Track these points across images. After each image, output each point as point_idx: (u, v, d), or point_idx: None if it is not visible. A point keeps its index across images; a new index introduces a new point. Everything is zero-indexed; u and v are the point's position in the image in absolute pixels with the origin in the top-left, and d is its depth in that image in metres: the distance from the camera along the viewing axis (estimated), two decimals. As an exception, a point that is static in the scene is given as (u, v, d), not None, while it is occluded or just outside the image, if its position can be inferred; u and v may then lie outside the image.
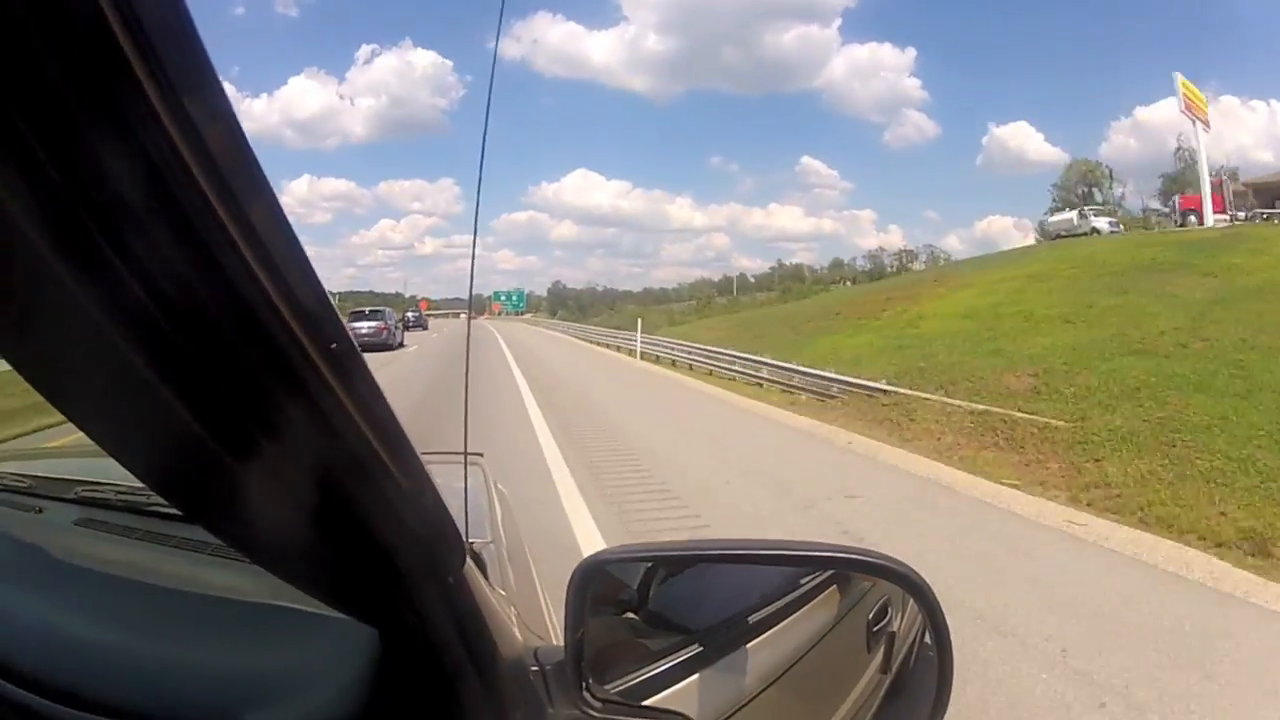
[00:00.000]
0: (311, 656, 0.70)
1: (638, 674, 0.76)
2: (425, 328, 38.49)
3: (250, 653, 0.76)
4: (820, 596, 0.96)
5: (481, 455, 2.02)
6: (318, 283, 0.40)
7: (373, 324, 23.34)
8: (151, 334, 0.35)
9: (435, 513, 0.53)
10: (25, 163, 0.31)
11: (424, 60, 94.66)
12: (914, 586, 0.84)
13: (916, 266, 70.72)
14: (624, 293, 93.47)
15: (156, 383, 0.37)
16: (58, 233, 0.32)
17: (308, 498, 0.43)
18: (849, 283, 69.21)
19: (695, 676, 0.80)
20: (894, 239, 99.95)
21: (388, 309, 28.23)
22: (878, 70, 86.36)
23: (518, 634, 0.75)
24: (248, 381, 0.39)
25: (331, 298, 0.43)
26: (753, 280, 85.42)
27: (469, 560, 0.62)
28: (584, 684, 0.71)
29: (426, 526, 0.52)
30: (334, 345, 0.41)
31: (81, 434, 0.39)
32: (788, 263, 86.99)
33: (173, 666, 0.73)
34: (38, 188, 0.31)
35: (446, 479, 1.32)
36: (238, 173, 0.35)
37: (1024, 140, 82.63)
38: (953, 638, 0.85)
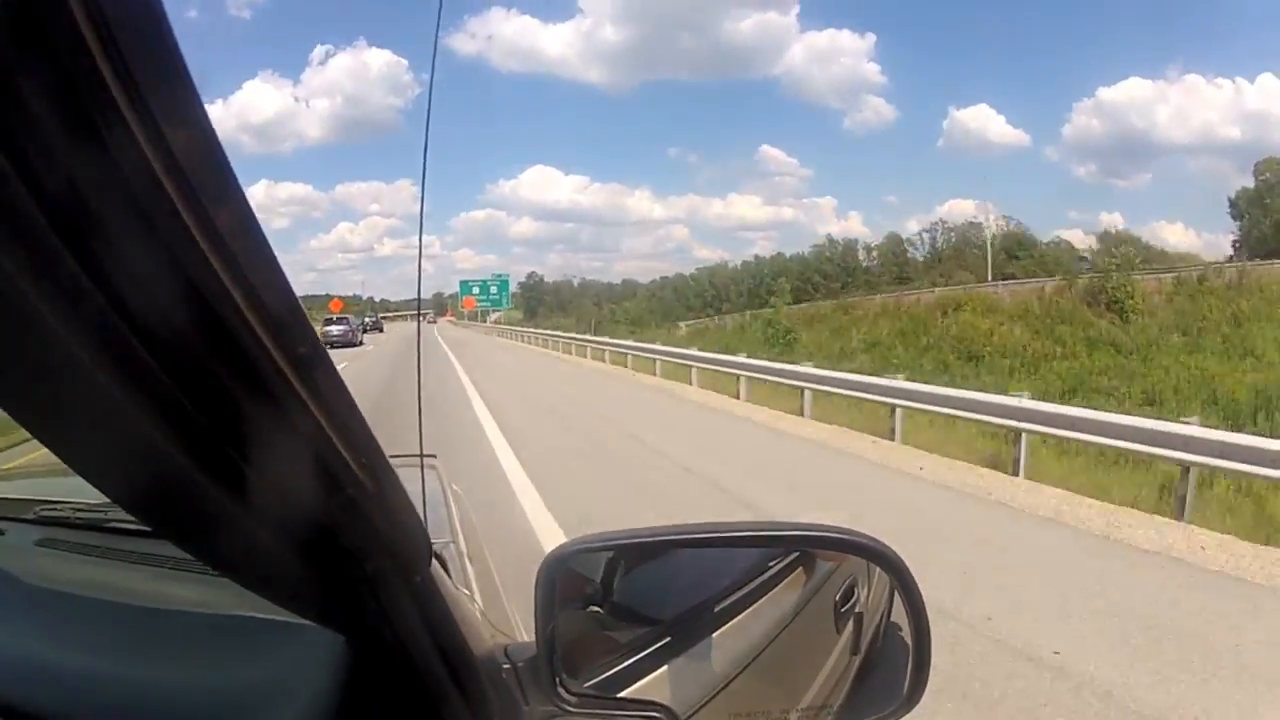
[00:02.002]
0: (281, 666, 0.70)
1: (609, 667, 0.77)
2: (381, 330, 47.92)
3: (219, 666, 0.75)
4: (786, 579, 0.97)
5: (435, 456, 2.02)
6: (288, 287, 0.40)
7: (342, 328, 33.10)
8: (118, 344, 0.34)
9: (402, 515, 0.53)
10: None
11: (379, 59, 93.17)
12: (885, 560, 0.84)
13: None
14: (614, 285, 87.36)
15: (122, 395, 0.36)
16: (13, 238, 0.31)
17: (275, 505, 0.43)
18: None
19: (666, 666, 0.80)
20: (854, 225, 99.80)
21: (350, 317, 39.16)
22: (837, 56, 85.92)
23: (486, 633, 0.76)
24: (216, 390, 0.38)
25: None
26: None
27: (434, 561, 0.62)
28: (557, 679, 0.71)
29: (394, 529, 0.52)
30: (301, 349, 0.40)
31: (38, 453, 0.38)
32: (755, 254, 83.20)
33: (141, 684, 0.72)
34: None
35: (403, 481, 1.26)
36: (209, 176, 0.35)
37: (985, 122, 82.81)
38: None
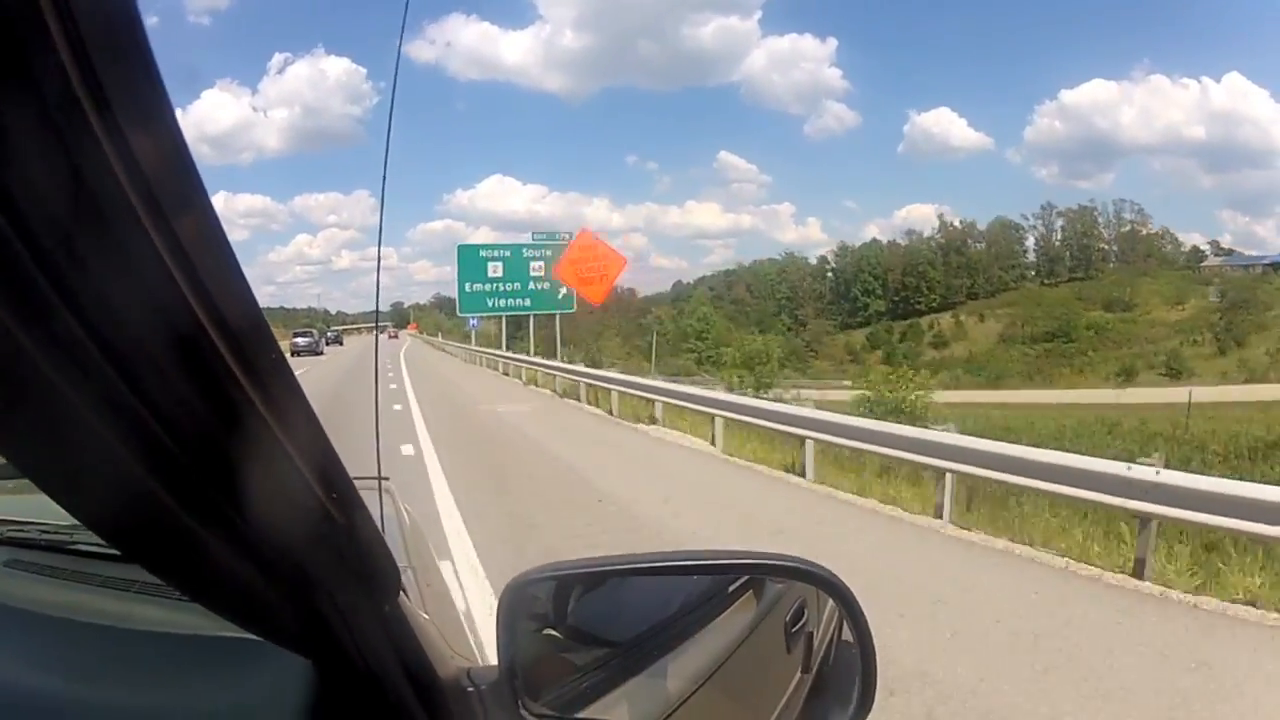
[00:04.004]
0: (249, 690, 0.70)
1: (568, 689, 0.79)
2: (341, 344, 49.82)
3: (187, 689, 0.76)
4: (738, 602, 1.00)
5: (389, 479, 2.01)
6: (254, 302, 0.40)
7: (308, 339, 39.45)
8: (83, 357, 0.34)
9: (372, 545, 0.54)
10: None
11: (337, 67, 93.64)
12: (830, 586, 0.89)
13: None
14: (618, 290, 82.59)
15: (88, 411, 0.35)
16: None
17: (247, 534, 0.43)
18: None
19: (623, 686, 0.83)
20: (813, 231, 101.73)
21: (314, 330, 46.02)
22: (798, 61, 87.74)
23: (448, 657, 0.77)
24: (184, 409, 0.38)
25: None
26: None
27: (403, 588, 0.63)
28: (520, 702, 0.73)
29: (364, 560, 0.53)
30: (265, 366, 0.40)
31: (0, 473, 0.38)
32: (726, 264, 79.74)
33: (109, 707, 0.72)
34: None
35: None
36: (178, 185, 0.34)
37: (947, 126, 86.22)
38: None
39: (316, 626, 0.53)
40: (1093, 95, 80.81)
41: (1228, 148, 77.57)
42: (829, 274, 79.08)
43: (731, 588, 1.00)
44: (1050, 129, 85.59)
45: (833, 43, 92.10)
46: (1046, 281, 72.98)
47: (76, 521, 0.90)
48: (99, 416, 0.36)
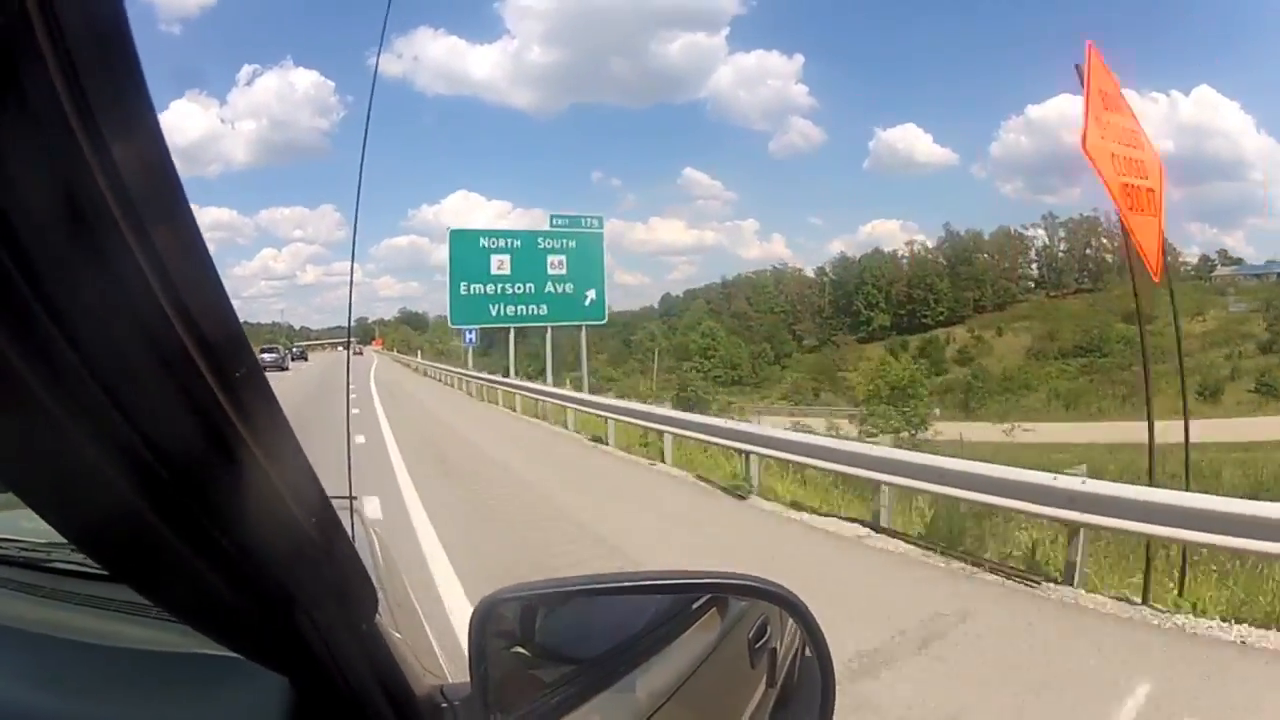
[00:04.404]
0: (228, 706, 0.72)
1: (537, 705, 0.82)
2: (306, 359, 51.23)
3: (166, 705, 0.77)
4: (702, 619, 1.03)
5: (357, 498, 2.02)
6: (233, 314, 0.40)
7: (274, 354, 40.78)
8: (65, 369, 0.34)
9: (348, 563, 0.56)
10: None
11: (305, 80, 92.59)
12: (788, 604, 0.92)
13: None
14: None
15: (74, 428, 0.35)
16: None
17: (227, 549, 0.44)
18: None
19: (590, 703, 0.85)
20: (777, 248, 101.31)
21: (279, 345, 48.02)
22: (765, 78, 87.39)
23: (421, 675, 0.79)
24: (163, 423, 0.38)
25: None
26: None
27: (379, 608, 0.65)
28: (492, 717, 0.76)
29: (340, 576, 0.55)
30: (251, 369, 0.41)
31: None
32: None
33: None
34: None
35: None
36: (159, 194, 0.34)
37: (912, 142, 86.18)
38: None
39: (295, 644, 0.54)
40: (1060, 110, 79.02)
41: (1197, 160, 77.48)
42: (827, 285, 76.91)
43: (695, 606, 1.03)
44: (1016, 144, 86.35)
45: (800, 59, 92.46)
46: (1053, 293, 71.34)
47: (55, 540, 0.91)
48: (82, 429, 0.36)
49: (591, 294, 21.44)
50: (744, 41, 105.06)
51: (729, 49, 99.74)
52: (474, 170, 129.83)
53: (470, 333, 26.19)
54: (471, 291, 20.99)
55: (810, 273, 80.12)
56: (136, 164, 0.33)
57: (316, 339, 77.64)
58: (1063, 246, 73.25)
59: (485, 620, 0.80)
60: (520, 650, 0.87)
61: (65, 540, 0.51)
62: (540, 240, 21.90)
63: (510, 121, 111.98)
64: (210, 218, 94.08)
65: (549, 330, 22.32)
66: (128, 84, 0.32)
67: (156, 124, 0.34)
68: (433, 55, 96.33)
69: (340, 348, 58.93)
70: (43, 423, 0.34)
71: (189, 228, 0.36)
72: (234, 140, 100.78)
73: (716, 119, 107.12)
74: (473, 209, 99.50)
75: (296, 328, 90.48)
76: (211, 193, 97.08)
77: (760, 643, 1.06)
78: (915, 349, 68.23)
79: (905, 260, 75.16)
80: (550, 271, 21.39)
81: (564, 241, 21.76)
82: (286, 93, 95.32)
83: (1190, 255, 72.71)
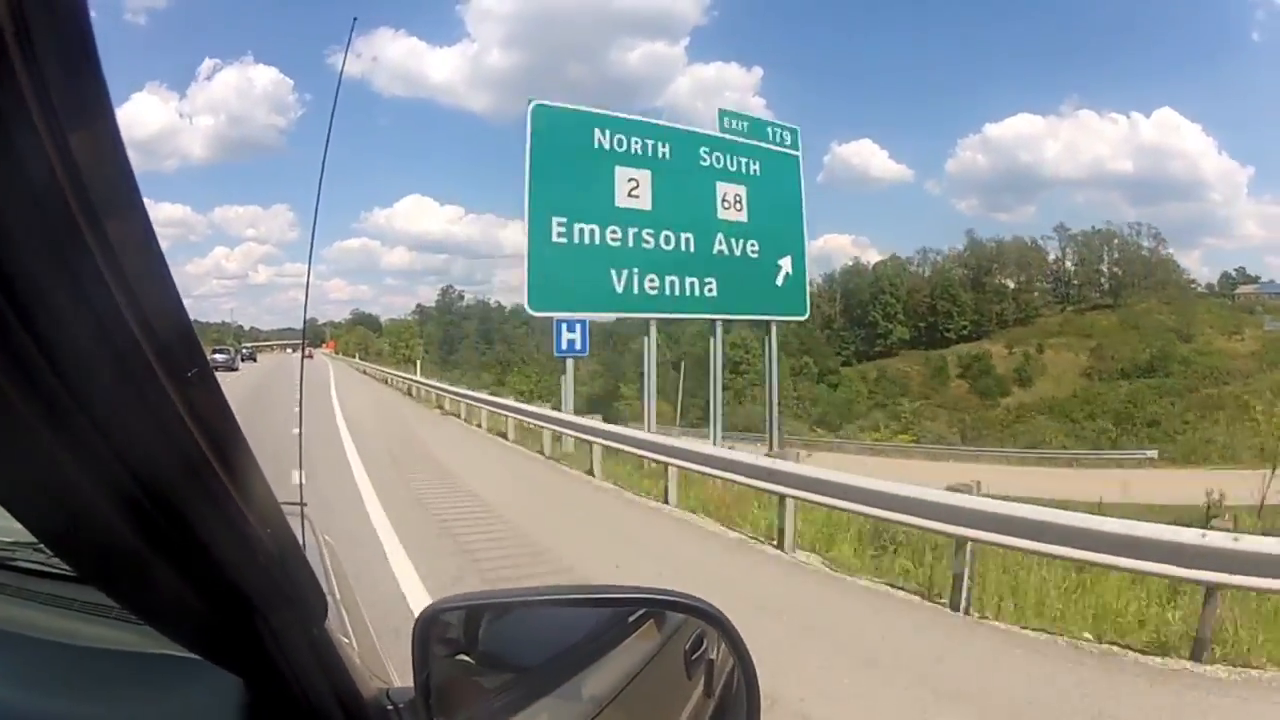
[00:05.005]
0: (184, 705, 0.74)
1: (478, 710, 0.86)
2: (255, 360, 49.97)
3: (123, 702, 0.79)
4: (639, 631, 1.07)
5: (306, 505, 1.99)
6: (184, 313, 0.40)
7: (225, 355, 40.80)
8: (26, 361, 0.34)
9: (301, 571, 0.59)
10: None
11: (265, 77, 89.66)
12: (712, 619, 0.98)
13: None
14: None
15: (41, 427, 0.36)
16: None
17: (186, 552, 0.46)
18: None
19: (530, 708, 0.90)
20: None
21: (230, 347, 47.77)
22: (723, 89, 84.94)
23: (368, 678, 0.82)
24: (119, 420, 0.38)
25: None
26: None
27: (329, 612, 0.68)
28: None
29: (293, 587, 0.58)
30: (202, 370, 0.42)
31: None
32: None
33: (48, 717, 0.75)
34: None
35: None
36: (112, 184, 0.34)
37: (868, 158, 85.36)
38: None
39: (250, 647, 0.57)
40: (1017, 129, 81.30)
41: (1155, 180, 78.09)
42: (838, 294, 71.78)
43: (632, 618, 1.07)
44: (972, 161, 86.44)
45: (759, 72, 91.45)
46: (1069, 308, 68.13)
47: (21, 539, 0.95)
48: (43, 428, 0.36)
49: (787, 264, 12.60)
50: (703, 53, 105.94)
51: (688, 59, 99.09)
52: (427, 174, 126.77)
53: (572, 328, 12.69)
54: (579, 240, 11.73)
55: (818, 279, 76.93)
56: (93, 160, 0.33)
57: (265, 340, 75.65)
58: (1072, 260, 70.53)
59: (429, 627, 0.84)
60: (464, 658, 0.91)
61: (30, 540, 0.56)
62: (705, 152, 12.39)
63: (465, 125, 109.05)
64: (165, 214, 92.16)
65: (718, 328, 12.80)
66: (90, 80, 0.32)
67: (114, 120, 0.34)
68: (392, 56, 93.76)
69: (290, 349, 57.13)
70: (6, 422, 0.35)
71: (143, 224, 0.37)
72: (191, 135, 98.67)
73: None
74: (425, 213, 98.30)
75: (246, 328, 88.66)
76: (168, 188, 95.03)
77: (697, 654, 1.10)
78: (957, 366, 63.86)
79: (923, 270, 70.95)
80: (722, 214, 12.32)
81: (744, 162, 12.48)
82: (245, 89, 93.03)
83: (1199, 274, 70.81)
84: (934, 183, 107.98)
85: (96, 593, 0.49)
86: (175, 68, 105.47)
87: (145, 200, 0.36)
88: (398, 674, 1.06)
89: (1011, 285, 69.06)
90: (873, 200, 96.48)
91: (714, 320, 12.82)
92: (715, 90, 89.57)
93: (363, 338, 76.95)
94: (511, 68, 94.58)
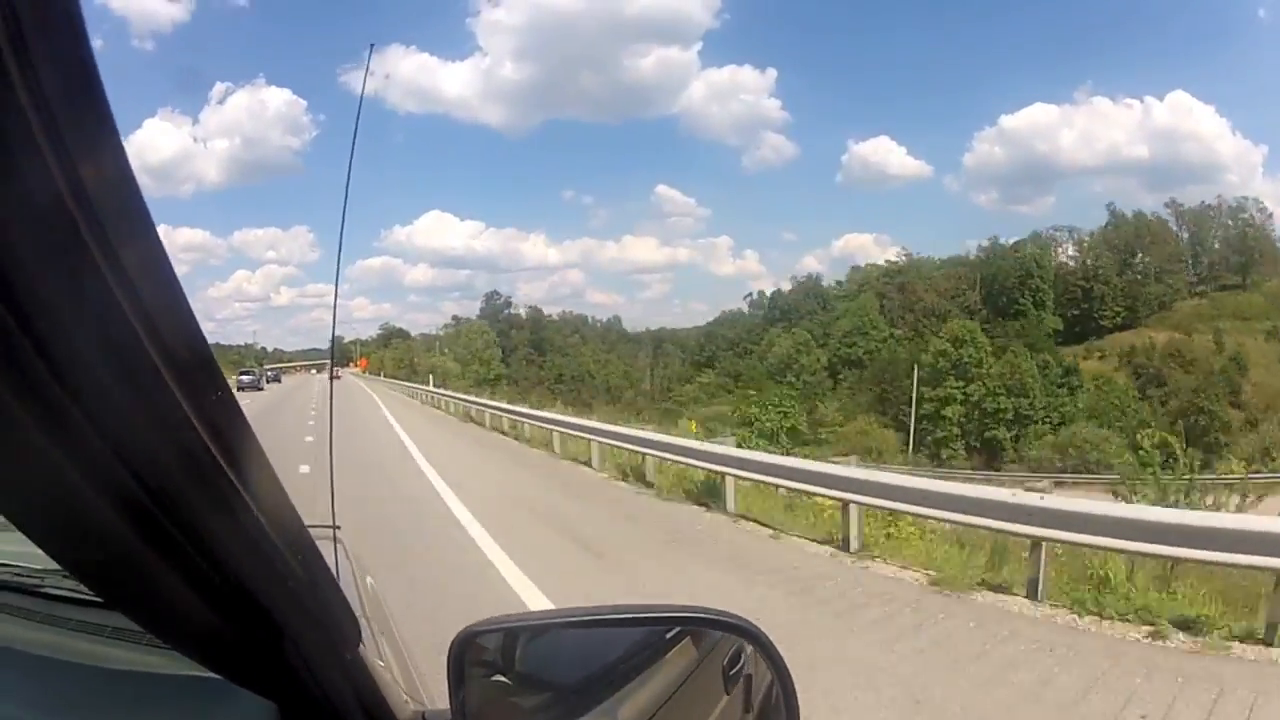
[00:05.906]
0: None
1: None
2: (279, 381, 51.31)
3: None
4: (676, 648, 1.06)
5: (340, 528, 2.00)
6: (202, 339, 0.40)
7: (251, 376, 43.14)
8: (46, 394, 0.34)
9: (332, 597, 0.59)
10: None
11: (277, 98, 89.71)
12: (751, 636, 0.96)
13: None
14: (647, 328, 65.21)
15: (61, 456, 0.36)
16: None
17: (211, 578, 0.46)
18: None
19: None
20: (750, 264, 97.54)
21: (255, 369, 48.85)
22: (737, 92, 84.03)
23: (404, 703, 0.82)
24: (142, 450, 0.38)
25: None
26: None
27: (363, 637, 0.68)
28: None
29: (325, 613, 0.58)
30: (222, 394, 0.41)
31: None
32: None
33: None
34: None
35: None
36: (123, 211, 0.34)
37: (885, 155, 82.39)
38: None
39: (281, 670, 0.57)
40: (1033, 119, 78.59)
41: (1171, 165, 75.40)
42: (979, 278, 66.22)
43: (669, 636, 1.06)
44: (990, 154, 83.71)
45: (772, 73, 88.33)
46: (1198, 290, 63.93)
47: (49, 566, 0.94)
48: (65, 455, 0.36)
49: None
50: (716, 56, 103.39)
51: (701, 64, 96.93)
52: (446, 190, 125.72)
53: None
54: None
55: (939, 260, 71.19)
56: (103, 186, 0.33)
57: (290, 361, 74.83)
58: (1183, 238, 65.28)
59: (464, 649, 0.83)
60: (500, 679, 0.90)
61: (59, 567, 0.54)
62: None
63: (482, 139, 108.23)
64: (184, 239, 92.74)
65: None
66: (93, 109, 0.32)
67: (121, 148, 0.34)
68: (404, 73, 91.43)
69: (315, 370, 55.22)
70: (30, 450, 0.35)
71: (156, 248, 0.37)
72: (206, 159, 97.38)
73: (688, 135, 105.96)
74: (445, 229, 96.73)
75: (269, 350, 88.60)
76: (185, 213, 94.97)
77: (735, 669, 1.08)
78: (1153, 360, 54.41)
79: (1069, 252, 64.70)
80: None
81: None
82: (258, 110, 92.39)
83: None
84: (952, 178, 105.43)
85: (124, 618, 0.50)
86: (185, 93, 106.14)
87: (162, 226, 0.37)
88: (436, 697, 1.06)
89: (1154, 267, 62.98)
90: (892, 197, 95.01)
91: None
92: (730, 94, 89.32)
93: (404, 353, 71.79)
94: (524, 80, 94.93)
